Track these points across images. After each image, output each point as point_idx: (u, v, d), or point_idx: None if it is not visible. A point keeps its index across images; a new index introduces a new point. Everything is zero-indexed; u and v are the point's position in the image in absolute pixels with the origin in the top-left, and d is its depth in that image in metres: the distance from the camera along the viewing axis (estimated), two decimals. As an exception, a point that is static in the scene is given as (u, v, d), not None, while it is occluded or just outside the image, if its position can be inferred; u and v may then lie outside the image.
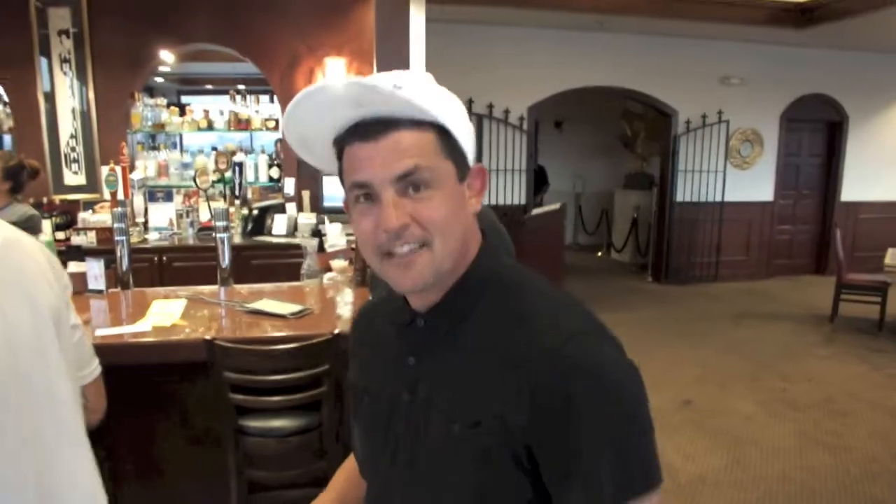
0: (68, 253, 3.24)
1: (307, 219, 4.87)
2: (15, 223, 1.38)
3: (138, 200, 4.83)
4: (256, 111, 5.58)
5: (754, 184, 8.16)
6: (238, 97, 5.56)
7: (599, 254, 10.18)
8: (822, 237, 8.67)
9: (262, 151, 5.83)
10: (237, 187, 5.14)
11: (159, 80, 9.30)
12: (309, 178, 5.29)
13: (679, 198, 7.90)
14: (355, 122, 0.78)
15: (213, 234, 3.19)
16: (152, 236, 4.70)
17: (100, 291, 2.90)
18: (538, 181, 8.25)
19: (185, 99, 9.87)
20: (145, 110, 5.33)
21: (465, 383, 0.80)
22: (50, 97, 5.03)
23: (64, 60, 4.99)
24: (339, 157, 0.83)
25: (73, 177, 5.17)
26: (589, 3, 6.02)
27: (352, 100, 0.75)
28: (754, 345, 5.66)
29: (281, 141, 5.93)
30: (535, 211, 7.04)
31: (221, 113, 5.52)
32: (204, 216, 4.90)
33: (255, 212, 4.87)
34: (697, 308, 6.96)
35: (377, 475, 0.92)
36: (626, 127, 9.49)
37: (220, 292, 2.96)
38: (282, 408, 2.20)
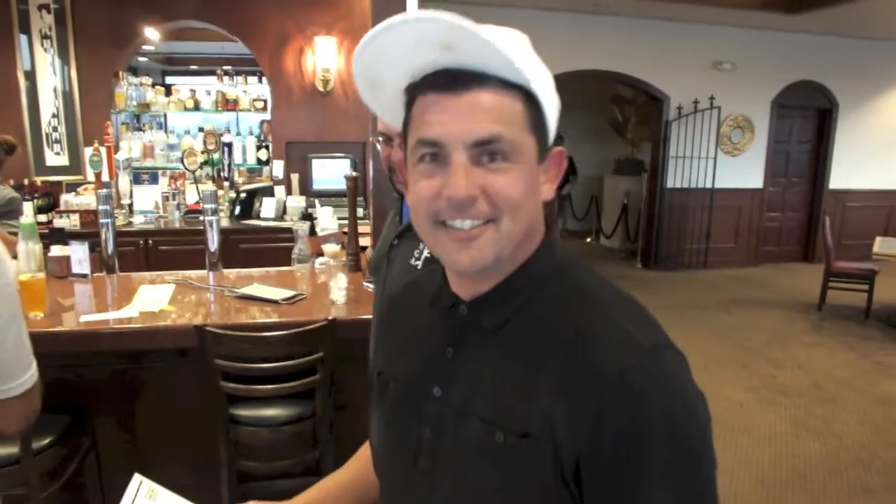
0: (51, 236, 3.14)
1: (297, 202, 4.79)
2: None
3: (123, 182, 4.73)
4: (244, 91, 5.47)
5: (744, 171, 8.16)
6: (225, 77, 5.44)
7: (589, 240, 10.17)
8: (810, 225, 8.72)
9: (251, 133, 5.73)
10: (225, 168, 5.04)
11: (143, 59, 9.11)
12: (298, 160, 5.21)
13: (670, 184, 7.89)
14: (437, 70, 0.67)
15: (201, 217, 3.11)
16: (138, 219, 4.60)
17: (84, 276, 2.82)
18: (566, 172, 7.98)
19: (169, 80, 9.69)
20: (130, 89, 5.20)
21: (512, 389, 0.70)
22: (30, 75, 4.88)
23: (45, 37, 4.84)
24: (409, 106, 0.72)
25: (56, 158, 5.04)
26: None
27: (440, 41, 0.65)
28: (744, 331, 5.68)
29: (267, 122, 5.83)
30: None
31: (208, 93, 5.42)
32: (191, 199, 4.80)
33: (243, 195, 4.78)
34: (687, 295, 6.97)
35: (394, 474, 0.84)
36: (616, 112, 9.45)
37: (209, 277, 2.89)
38: (274, 396, 2.15)
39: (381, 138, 1.49)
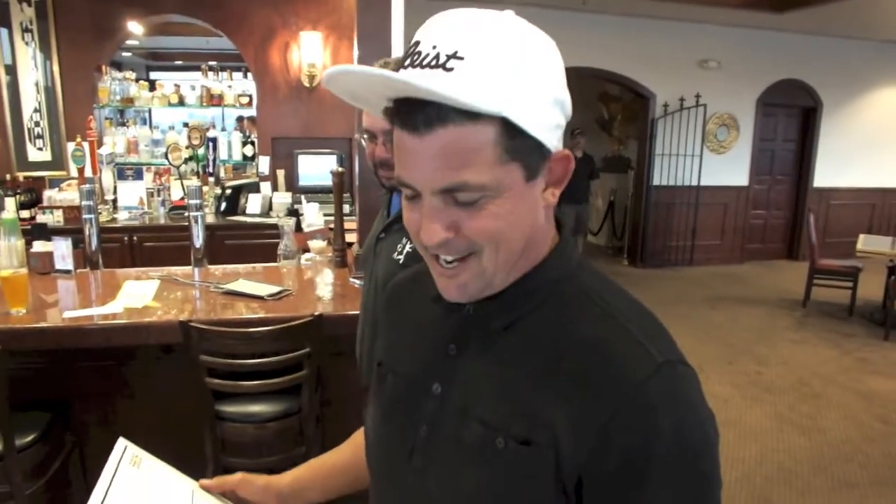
0: (33, 232, 3.10)
1: (282, 198, 4.76)
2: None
3: (107, 178, 4.67)
4: (229, 86, 5.43)
5: (730, 168, 8.22)
6: (210, 73, 5.40)
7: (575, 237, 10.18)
8: (794, 222, 8.79)
9: (236, 129, 5.69)
10: (211, 164, 5.00)
11: (127, 55, 9.02)
12: (284, 156, 5.17)
13: (656, 181, 7.93)
14: (404, 97, 0.62)
15: (186, 214, 3.08)
16: (122, 215, 4.55)
17: (67, 272, 2.79)
18: (590, 173, 7.34)
19: (154, 75, 9.60)
20: (113, 84, 5.15)
21: (514, 393, 0.68)
22: (11, 69, 4.81)
23: (25, 30, 4.77)
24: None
25: (38, 153, 4.97)
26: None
27: (391, 89, 0.62)
28: (729, 328, 5.72)
29: (245, 118, 5.79)
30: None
31: (193, 88, 5.37)
32: (176, 195, 4.76)
33: (229, 191, 4.75)
34: (673, 292, 7.01)
35: (387, 468, 0.82)
36: (603, 109, 9.46)
37: (194, 273, 2.86)
38: (260, 392, 2.13)
39: (365, 135, 1.49)
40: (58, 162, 4.98)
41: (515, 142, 0.62)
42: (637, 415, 0.61)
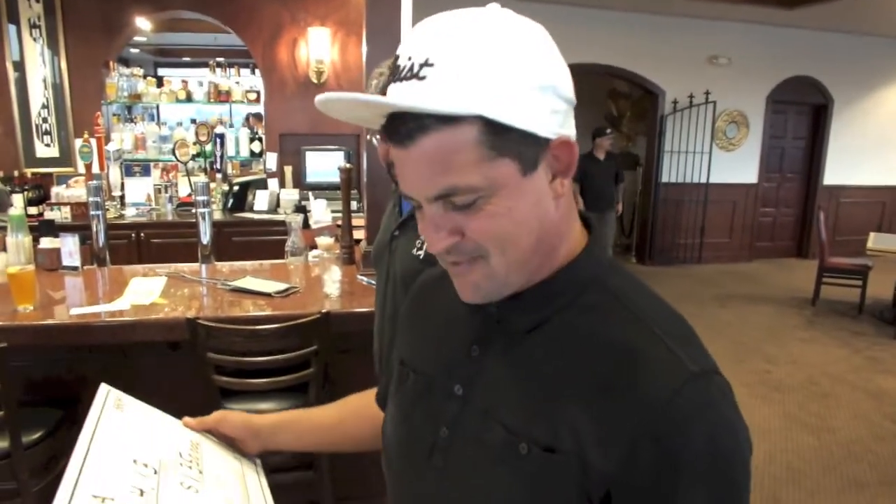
0: (41, 228, 3.10)
1: (290, 195, 4.76)
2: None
3: (114, 174, 4.68)
4: (237, 82, 5.42)
5: (739, 165, 8.17)
6: (218, 69, 5.39)
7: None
8: (804, 220, 8.73)
9: (243, 125, 5.69)
10: (218, 160, 5.00)
11: (135, 51, 9.04)
12: (292, 152, 5.17)
13: (664, 178, 7.88)
14: (389, 114, 0.62)
15: (193, 210, 3.08)
16: (129, 212, 4.56)
17: (75, 268, 2.79)
18: (615, 177, 7.02)
19: (161, 71, 9.61)
20: (121, 80, 5.15)
21: (539, 398, 0.66)
22: (19, 66, 4.82)
23: (33, 26, 4.78)
24: None
25: (46, 149, 4.99)
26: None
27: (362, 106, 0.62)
28: (739, 327, 5.68)
29: (252, 115, 5.80)
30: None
31: (201, 84, 5.37)
32: (183, 191, 4.76)
33: (236, 187, 4.74)
34: (682, 290, 6.97)
35: (406, 468, 0.80)
36: (612, 106, 9.42)
37: (202, 270, 2.86)
38: (268, 390, 2.12)
39: (377, 136, 1.47)
40: (65, 158, 5.00)
41: (501, 137, 0.60)
42: (669, 427, 0.59)
